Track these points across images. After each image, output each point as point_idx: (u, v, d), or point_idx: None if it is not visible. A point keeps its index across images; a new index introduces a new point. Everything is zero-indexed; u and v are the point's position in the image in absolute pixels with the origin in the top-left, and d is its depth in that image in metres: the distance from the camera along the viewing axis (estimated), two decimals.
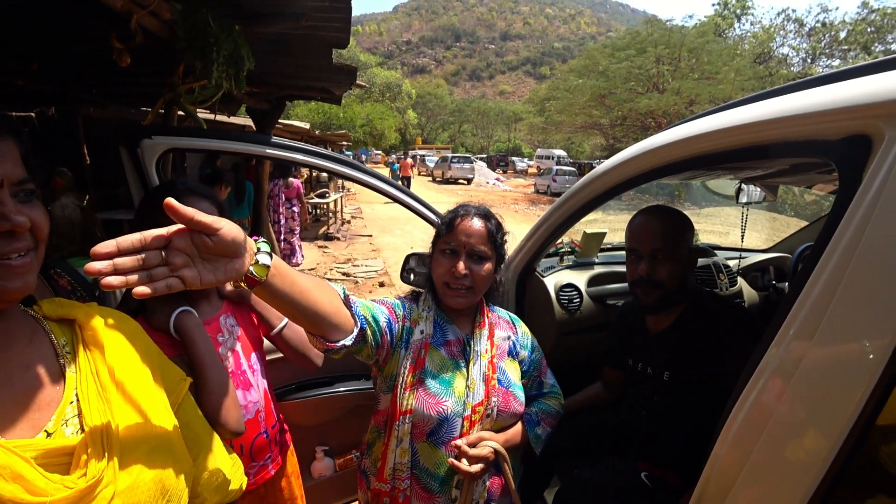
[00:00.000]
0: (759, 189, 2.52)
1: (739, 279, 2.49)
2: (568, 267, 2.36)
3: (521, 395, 1.41)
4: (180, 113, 2.81)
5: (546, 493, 1.88)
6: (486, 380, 1.33)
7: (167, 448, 0.78)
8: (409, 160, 21.27)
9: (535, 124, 37.31)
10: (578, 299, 2.13)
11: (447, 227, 1.36)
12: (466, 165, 30.64)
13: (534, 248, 2.05)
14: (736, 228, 2.71)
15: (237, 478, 0.96)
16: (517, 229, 2.06)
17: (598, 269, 2.33)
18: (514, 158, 50.70)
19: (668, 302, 1.51)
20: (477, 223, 1.35)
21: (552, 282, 2.16)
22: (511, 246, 2.18)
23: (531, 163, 46.84)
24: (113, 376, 0.78)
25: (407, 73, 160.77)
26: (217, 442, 0.96)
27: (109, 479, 0.69)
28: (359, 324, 1.15)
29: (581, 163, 33.17)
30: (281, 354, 1.55)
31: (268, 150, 1.82)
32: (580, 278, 2.22)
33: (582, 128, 27.66)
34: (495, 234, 1.38)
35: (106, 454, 0.70)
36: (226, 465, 0.94)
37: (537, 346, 1.53)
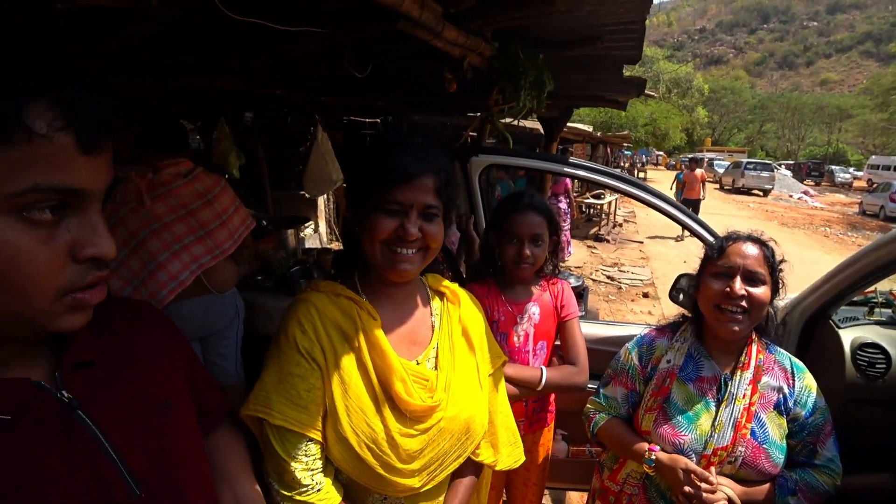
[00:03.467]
0: None
1: None
2: (878, 322, 1.97)
3: (778, 455, 1.29)
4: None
5: None
6: (737, 427, 1.29)
7: (480, 402, 1.12)
8: (700, 171, 12.45)
9: (872, 123, 28.89)
10: (884, 364, 1.76)
11: (719, 250, 1.37)
12: (764, 174, 26.07)
13: (834, 291, 1.81)
14: None
15: (514, 453, 1.24)
16: (826, 259, 1.83)
17: None
18: (832, 167, 40.21)
19: None
20: (751, 247, 1.34)
21: (850, 336, 1.85)
22: (806, 282, 1.95)
23: (859, 174, 36.50)
24: (459, 339, 1.13)
25: (699, 66, 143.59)
26: (509, 418, 1.25)
27: (443, 406, 1.04)
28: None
29: None
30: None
31: (565, 168, 2.18)
32: (892, 339, 1.84)
33: None
34: (771, 258, 1.34)
35: (446, 388, 1.05)
36: (507, 437, 1.23)
37: (823, 408, 1.34)
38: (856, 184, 34.25)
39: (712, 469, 1.27)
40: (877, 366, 1.77)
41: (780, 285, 1.37)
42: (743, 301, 1.29)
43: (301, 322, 0.99)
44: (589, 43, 3.04)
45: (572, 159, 2.23)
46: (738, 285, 1.29)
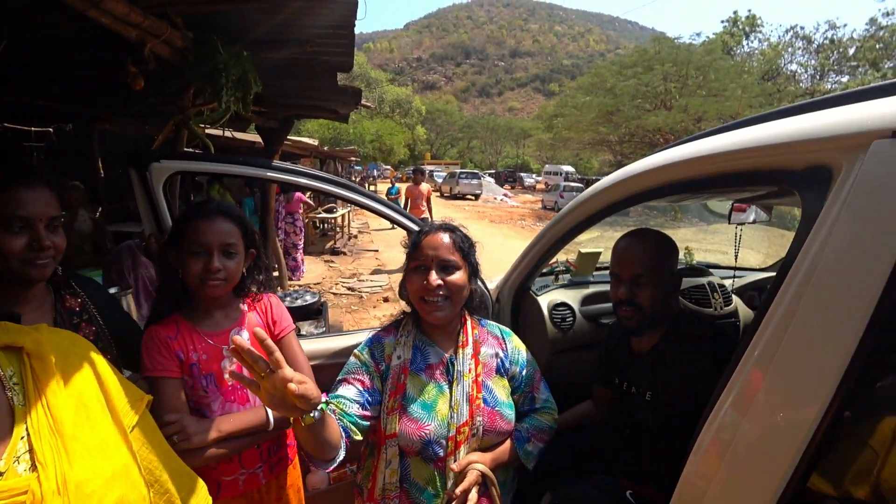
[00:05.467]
0: (761, 210, 2.53)
1: (735, 298, 2.51)
2: (563, 286, 2.39)
3: (509, 413, 1.42)
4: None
5: None
6: (471, 400, 1.36)
7: (125, 474, 0.78)
8: (426, 186, 9.92)
9: (544, 140, 37.46)
10: (571, 318, 2.16)
11: (414, 246, 1.41)
12: (474, 181, 30.83)
13: (529, 267, 2.09)
14: (743, 247, 2.70)
15: (198, 499, 0.95)
16: (523, 245, 2.11)
17: (592, 289, 2.36)
18: (522, 174, 50.85)
19: (648, 325, 1.54)
20: (442, 236, 1.39)
21: (546, 300, 2.19)
22: (507, 263, 2.24)
23: (539, 179, 46.97)
24: (66, 407, 0.75)
25: (417, 90, 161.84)
26: (177, 463, 0.94)
27: None
28: (343, 437, 1.23)
29: (589, 179, 33.20)
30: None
31: (269, 173, 1.90)
32: (574, 297, 2.26)
33: (590, 144, 27.79)
34: (461, 244, 1.41)
35: (60, 491, 0.68)
36: (184, 485, 0.92)
37: (531, 360, 1.54)
38: (538, 186, 43.90)
39: (462, 449, 1.32)
40: (567, 320, 2.14)
41: (477, 265, 1.47)
42: (441, 290, 1.35)
43: None
44: (298, 45, 2.91)
45: (278, 163, 1.94)
46: (434, 277, 1.34)
